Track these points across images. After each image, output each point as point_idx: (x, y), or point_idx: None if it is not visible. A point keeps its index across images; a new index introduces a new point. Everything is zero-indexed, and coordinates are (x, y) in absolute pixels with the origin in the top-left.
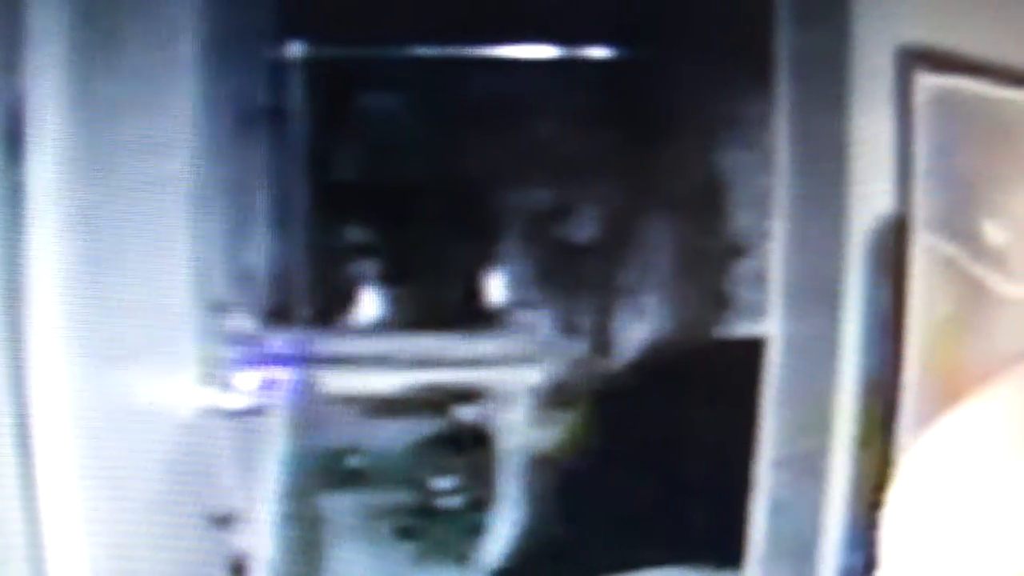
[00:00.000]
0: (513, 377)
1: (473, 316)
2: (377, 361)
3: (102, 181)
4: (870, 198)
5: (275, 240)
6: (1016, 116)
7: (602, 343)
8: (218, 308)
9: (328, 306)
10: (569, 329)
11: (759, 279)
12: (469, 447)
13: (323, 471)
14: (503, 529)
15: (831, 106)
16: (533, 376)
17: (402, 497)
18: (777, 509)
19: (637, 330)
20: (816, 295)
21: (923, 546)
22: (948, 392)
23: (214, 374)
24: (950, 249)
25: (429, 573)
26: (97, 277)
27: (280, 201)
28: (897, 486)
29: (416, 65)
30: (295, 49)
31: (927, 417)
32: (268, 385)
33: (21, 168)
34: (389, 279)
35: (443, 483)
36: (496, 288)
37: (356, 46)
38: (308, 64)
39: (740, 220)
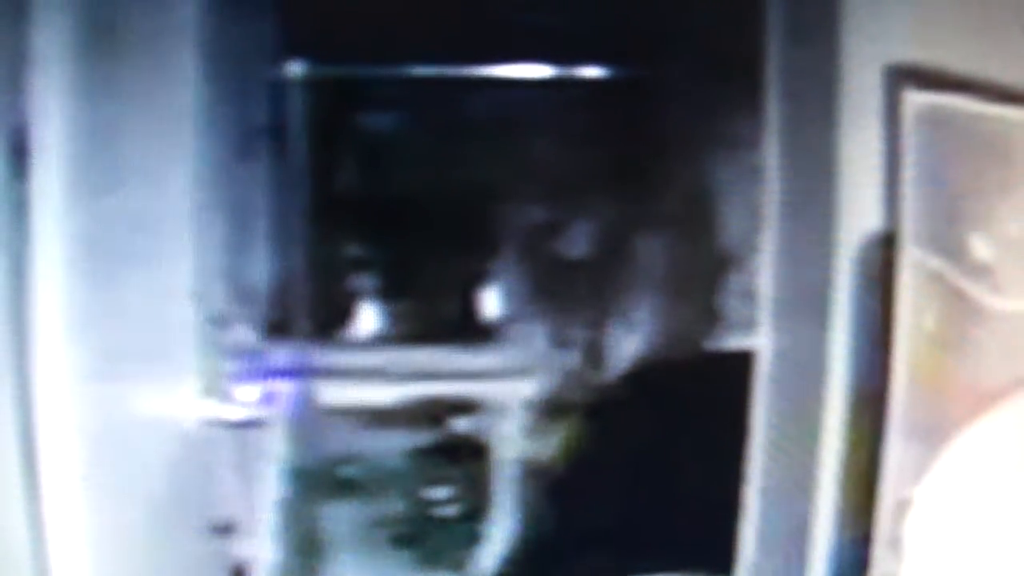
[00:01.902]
0: (508, 389)
1: (469, 330)
2: (375, 374)
3: (105, 197)
4: (859, 213)
5: (275, 255)
6: (1003, 132)
7: (594, 356)
8: (219, 321)
9: (327, 320)
10: (562, 342)
11: (749, 293)
12: (464, 458)
13: (321, 481)
14: (497, 538)
15: (820, 123)
16: (527, 388)
17: (398, 506)
18: (766, 518)
19: (629, 343)
20: (805, 309)
21: (944, 556)
22: (936, 404)
23: (215, 386)
24: (937, 263)
25: None
26: (100, 291)
27: (280, 217)
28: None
29: (414, 84)
30: (295, 68)
31: (915, 429)
32: (268, 397)
33: (26, 184)
34: (387, 294)
35: (439, 493)
36: (491, 302)
37: (355, 65)
38: (308, 83)
39: (730, 235)
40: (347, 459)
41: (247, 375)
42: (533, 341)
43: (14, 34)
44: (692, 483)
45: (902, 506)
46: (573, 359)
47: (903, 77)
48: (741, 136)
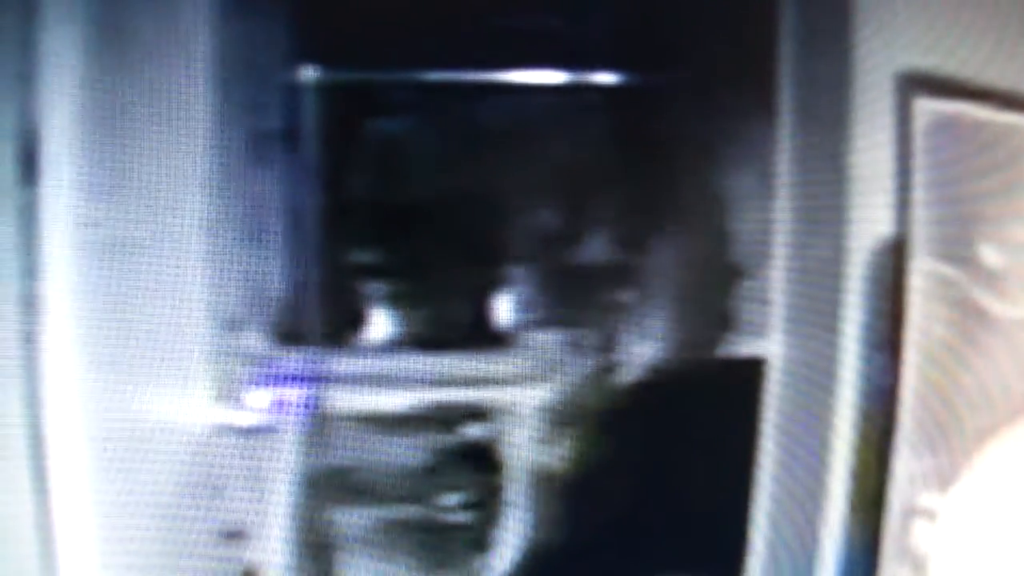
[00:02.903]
0: (521, 396)
1: (482, 336)
2: (387, 380)
3: (115, 201)
4: (870, 221)
5: (288, 260)
6: (1013, 140)
7: (608, 362)
8: (231, 327)
9: (339, 326)
10: (576, 349)
11: (761, 300)
12: (477, 464)
13: (333, 487)
14: (510, 544)
15: (833, 130)
16: (541, 395)
17: (410, 512)
18: (777, 525)
19: (642, 350)
20: (816, 316)
21: (968, 570)
22: (945, 411)
23: (227, 392)
24: (948, 271)
25: None
26: (110, 295)
27: (293, 222)
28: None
29: (428, 90)
30: (308, 73)
31: (924, 436)
32: (280, 403)
33: (36, 188)
34: (400, 299)
35: (451, 499)
36: (505, 308)
37: (369, 70)
38: (321, 88)
39: (743, 242)
40: (359, 465)
41: (259, 381)
42: (547, 347)
43: (25, 39)
44: (703, 489)
45: (911, 513)
46: (586, 365)
47: (915, 85)
48: (754, 144)
